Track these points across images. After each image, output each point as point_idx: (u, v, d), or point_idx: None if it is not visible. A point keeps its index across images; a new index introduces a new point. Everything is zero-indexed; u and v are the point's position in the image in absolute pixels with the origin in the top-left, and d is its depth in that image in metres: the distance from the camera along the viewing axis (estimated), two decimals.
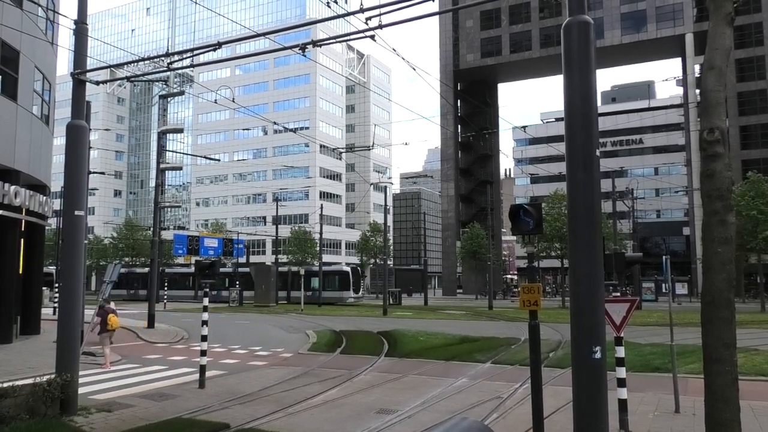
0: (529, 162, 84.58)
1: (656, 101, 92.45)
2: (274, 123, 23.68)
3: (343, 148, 67.56)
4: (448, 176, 76.03)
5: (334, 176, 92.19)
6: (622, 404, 7.97)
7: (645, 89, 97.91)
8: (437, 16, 66.67)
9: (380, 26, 8.52)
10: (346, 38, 9.94)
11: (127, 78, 12.93)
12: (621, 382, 8.03)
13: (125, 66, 13.24)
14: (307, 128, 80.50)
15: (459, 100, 77.92)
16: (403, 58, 11.66)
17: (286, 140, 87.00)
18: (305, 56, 11.62)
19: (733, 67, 58.16)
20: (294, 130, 23.82)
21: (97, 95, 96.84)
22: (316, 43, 9.37)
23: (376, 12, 8.52)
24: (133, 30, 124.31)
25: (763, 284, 39.14)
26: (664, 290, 42.84)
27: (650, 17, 66.06)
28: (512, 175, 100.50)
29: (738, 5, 6.00)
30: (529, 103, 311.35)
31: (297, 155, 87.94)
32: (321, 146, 72.69)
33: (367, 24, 8.57)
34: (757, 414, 9.36)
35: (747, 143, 62.43)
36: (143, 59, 12.74)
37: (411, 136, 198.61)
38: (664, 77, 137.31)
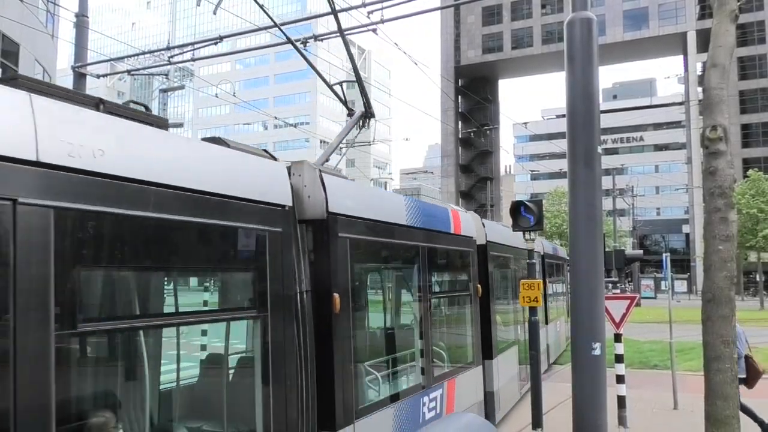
0: (529, 158, 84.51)
1: (658, 99, 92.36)
2: (275, 118, 23.60)
3: (343, 144, 67.57)
4: (448, 172, 75.97)
5: None
6: (621, 401, 7.98)
7: (646, 86, 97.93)
8: (438, 12, 66.55)
9: (382, 21, 8.52)
10: (348, 32, 9.91)
11: (128, 71, 12.87)
12: (620, 379, 8.05)
13: (125, 59, 13.20)
14: (307, 123, 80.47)
15: (460, 96, 77.77)
16: (405, 53, 11.62)
17: (286, 135, 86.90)
18: (306, 51, 11.57)
19: (734, 65, 58.04)
20: (294, 125, 23.75)
21: (97, 89, 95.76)
22: (317, 38, 9.36)
23: (378, 6, 8.53)
24: (133, 23, 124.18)
25: (762, 282, 39.21)
26: (663, 287, 42.91)
27: (652, 14, 65.93)
28: (512, 172, 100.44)
29: (741, 3, 5.97)
30: (530, 99, 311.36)
31: (297, 150, 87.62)
32: (321, 141, 72.64)
33: (369, 18, 8.57)
34: (756, 410, 9.36)
35: (748, 141, 62.39)
36: (144, 53, 12.72)
37: (411, 132, 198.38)
38: (666, 75, 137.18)
